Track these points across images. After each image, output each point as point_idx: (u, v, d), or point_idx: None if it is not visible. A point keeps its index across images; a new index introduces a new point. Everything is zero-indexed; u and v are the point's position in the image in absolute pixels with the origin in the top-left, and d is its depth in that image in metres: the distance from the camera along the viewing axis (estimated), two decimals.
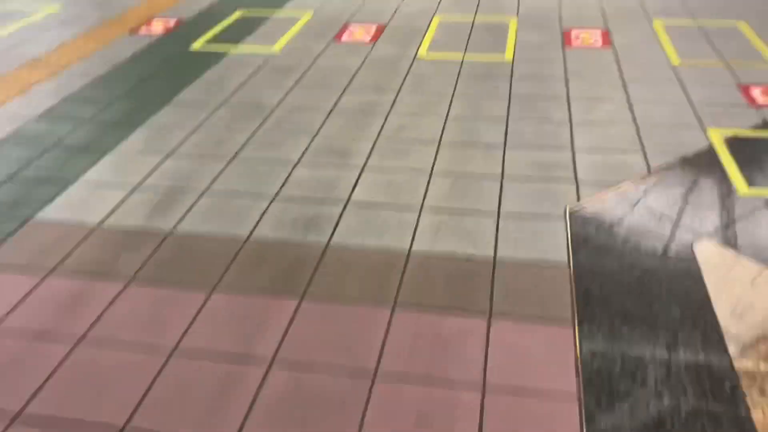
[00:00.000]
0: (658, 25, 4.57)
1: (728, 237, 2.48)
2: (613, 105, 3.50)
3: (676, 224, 2.55)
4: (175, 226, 2.65)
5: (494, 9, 5.05)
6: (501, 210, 2.69)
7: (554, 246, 2.46)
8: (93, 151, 3.22)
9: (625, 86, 3.69)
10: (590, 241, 2.48)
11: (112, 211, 2.76)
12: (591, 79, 3.80)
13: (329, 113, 3.53)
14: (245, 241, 2.56)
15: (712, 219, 2.57)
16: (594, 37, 4.43)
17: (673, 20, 4.64)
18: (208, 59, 4.27)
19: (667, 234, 2.50)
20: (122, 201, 2.82)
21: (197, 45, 4.52)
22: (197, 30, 4.79)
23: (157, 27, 4.87)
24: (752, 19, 4.59)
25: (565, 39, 4.42)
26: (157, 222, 2.68)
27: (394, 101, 3.65)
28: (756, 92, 3.56)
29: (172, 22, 4.96)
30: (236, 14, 5.11)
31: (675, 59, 4.02)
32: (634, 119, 3.34)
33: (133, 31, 4.81)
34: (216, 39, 4.62)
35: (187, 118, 3.51)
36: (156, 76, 4.05)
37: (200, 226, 2.65)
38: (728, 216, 2.60)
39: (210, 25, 4.89)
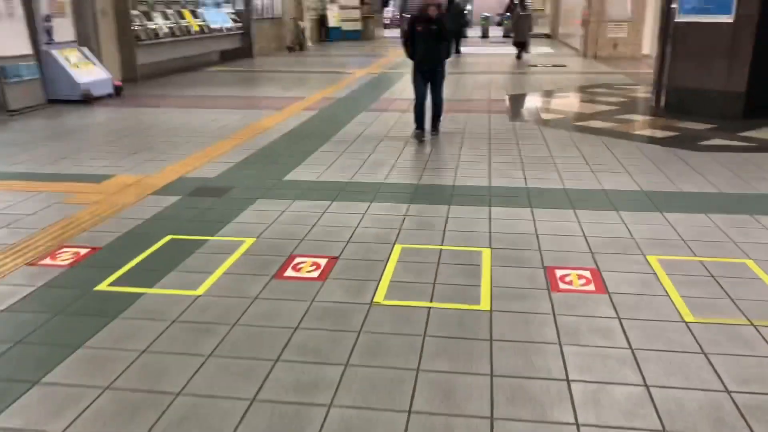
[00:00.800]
0: (655, 262, 3.93)
1: None
2: (627, 392, 2.65)
3: None
4: None
5: (464, 236, 4.42)
6: None
7: None
8: None
9: (636, 360, 2.88)
10: None
11: None
12: (592, 347, 2.99)
13: (247, 409, 2.58)
14: None
15: None
16: (583, 278, 3.74)
17: (671, 257, 4.01)
18: (110, 309, 3.38)
19: None
20: None
21: (104, 285, 3.67)
22: (112, 262, 3.98)
23: (64, 258, 4.06)
24: (759, 256, 4.00)
25: (550, 280, 3.70)
26: None
27: (339, 382, 2.75)
28: None
29: (84, 251, 4.16)
30: (165, 239, 4.37)
31: (687, 313, 3.29)
32: (660, 421, 2.47)
33: (32, 263, 3.97)
34: (130, 275, 3.80)
35: (50, 418, 2.52)
36: (33, 339, 3.12)
37: None
38: None
39: (130, 254, 4.10)
